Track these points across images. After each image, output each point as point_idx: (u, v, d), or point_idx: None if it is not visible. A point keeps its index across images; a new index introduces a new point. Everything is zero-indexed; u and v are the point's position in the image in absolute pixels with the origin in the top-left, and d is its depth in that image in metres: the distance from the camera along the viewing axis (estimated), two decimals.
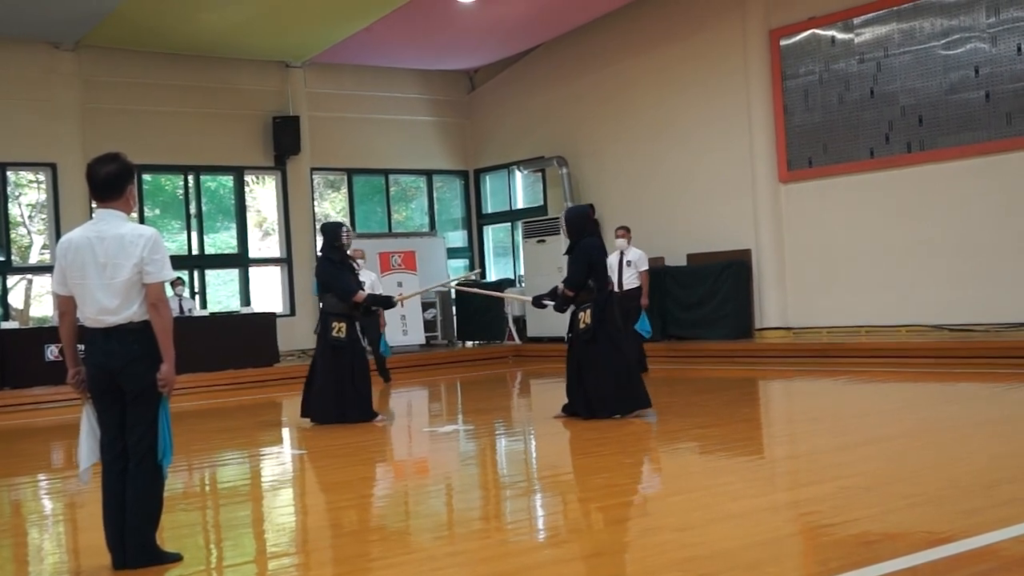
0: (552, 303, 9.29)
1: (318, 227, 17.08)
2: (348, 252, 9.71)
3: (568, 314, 9.23)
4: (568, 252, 9.18)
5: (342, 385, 9.41)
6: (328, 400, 9.43)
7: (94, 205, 4.74)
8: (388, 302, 10.51)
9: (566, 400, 9.14)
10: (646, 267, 12.89)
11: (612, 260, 12.86)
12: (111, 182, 4.63)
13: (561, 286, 9.11)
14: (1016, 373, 10.65)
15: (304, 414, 9.70)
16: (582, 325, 8.91)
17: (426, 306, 17.98)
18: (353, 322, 9.61)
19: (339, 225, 9.83)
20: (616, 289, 12.60)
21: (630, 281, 12.74)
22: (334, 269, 9.61)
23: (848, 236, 14.47)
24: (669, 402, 10.11)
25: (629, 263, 12.82)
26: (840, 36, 14.47)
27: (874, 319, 14.16)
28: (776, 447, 7.71)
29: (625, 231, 13.03)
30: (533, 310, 16.82)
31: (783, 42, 15.10)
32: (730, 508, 5.32)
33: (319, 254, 10.48)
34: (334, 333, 9.43)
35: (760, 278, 15.40)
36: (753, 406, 10.48)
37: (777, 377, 12.29)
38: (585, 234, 9.09)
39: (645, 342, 12.88)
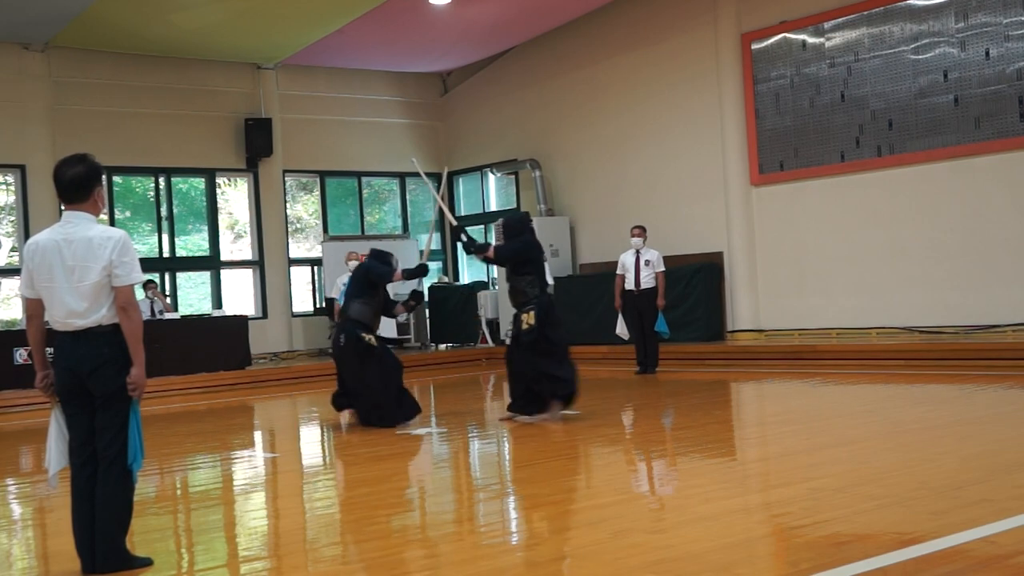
0: (469, 242, 9.25)
1: (290, 229, 17.01)
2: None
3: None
4: None
5: (390, 385, 9.29)
6: (390, 403, 9.28)
7: (62, 207, 4.68)
8: (422, 270, 9.92)
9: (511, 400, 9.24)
10: (663, 268, 12.85)
11: (628, 259, 12.89)
12: (78, 184, 4.59)
13: (491, 248, 9.16)
14: (985, 375, 10.75)
15: (366, 422, 9.40)
16: (525, 326, 8.93)
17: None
18: (375, 330, 9.51)
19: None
20: (633, 288, 12.71)
21: (647, 281, 12.71)
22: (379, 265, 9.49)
23: (819, 239, 14.56)
24: (641, 404, 10.13)
25: (647, 263, 12.77)
26: (811, 40, 14.57)
27: (845, 322, 14.27)
28: (748, 449, 7.74)
29: (641, 230, 12.97)
30: (506, 313, 16.82)
31: (755, 46, 15.19)
32: (702, 510, 5.34)
33: (364, 256, 10.05)
34: (366, 341, 9.28)
35: (732, 281, 15.47)
36: (725, 408, 10.52)
37: (749, 379, 12.34)
38: (524, 236, 9.18)
39: (663, 342, 12.96)
